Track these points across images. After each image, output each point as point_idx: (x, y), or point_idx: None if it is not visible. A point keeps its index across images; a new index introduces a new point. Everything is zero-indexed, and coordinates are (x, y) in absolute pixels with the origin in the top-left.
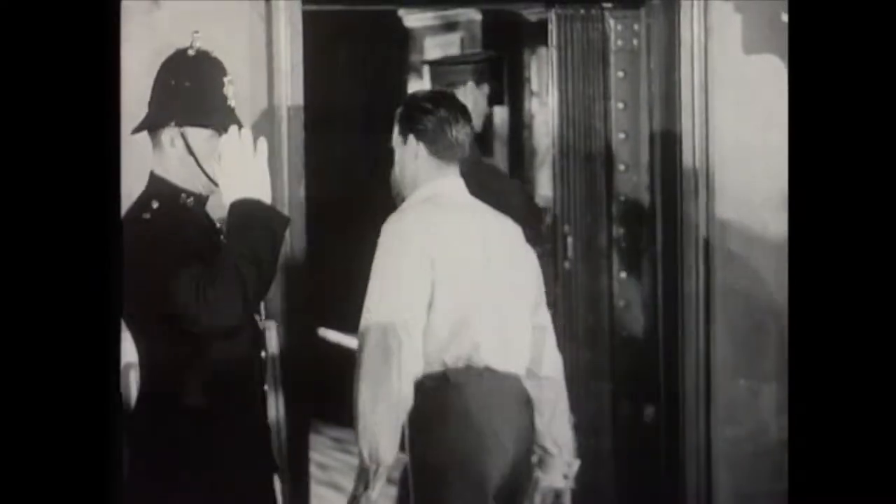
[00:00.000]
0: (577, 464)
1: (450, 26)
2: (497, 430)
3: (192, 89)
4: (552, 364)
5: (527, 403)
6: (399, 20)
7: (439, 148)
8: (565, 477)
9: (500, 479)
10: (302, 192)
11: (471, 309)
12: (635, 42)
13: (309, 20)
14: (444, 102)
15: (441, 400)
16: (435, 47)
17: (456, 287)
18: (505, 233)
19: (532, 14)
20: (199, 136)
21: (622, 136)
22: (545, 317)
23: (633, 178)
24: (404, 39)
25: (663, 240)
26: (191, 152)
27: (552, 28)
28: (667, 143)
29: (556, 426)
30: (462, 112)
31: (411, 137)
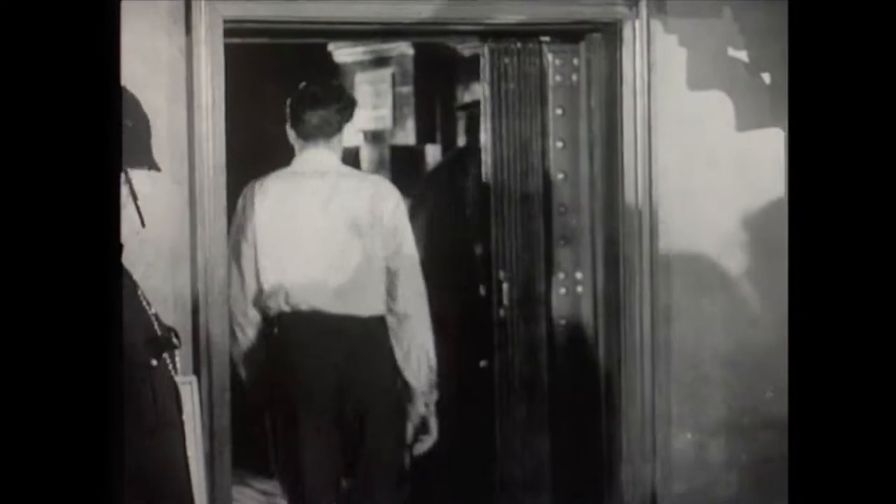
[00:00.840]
0: (435, 395)
1: (381, 61)
2: (337, 362)
3: (132, 128)
4: (406, 302)
5: (382, 339)
6: (329, 55)
7: (301, 129)
8: (426, 405)
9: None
10: (222, 229)
11: (301, 260)
12: (574, 77)
13: (234, 56)
14: (305, 92)
15: (282, 339)
16: (365, 83)
17: (283, 241)
18: (361, 193)
19: (466, 49)
20: (139, 177)
21: (561, 176)
22: (402, 262)
23: (572, 220)
24: (334, 75)
25: (604, 287)
26: (134, 197)
27: (485, 63)
28: (609, 184)
29: (412, 360)
30: (316, 99)
31: (287, 125)
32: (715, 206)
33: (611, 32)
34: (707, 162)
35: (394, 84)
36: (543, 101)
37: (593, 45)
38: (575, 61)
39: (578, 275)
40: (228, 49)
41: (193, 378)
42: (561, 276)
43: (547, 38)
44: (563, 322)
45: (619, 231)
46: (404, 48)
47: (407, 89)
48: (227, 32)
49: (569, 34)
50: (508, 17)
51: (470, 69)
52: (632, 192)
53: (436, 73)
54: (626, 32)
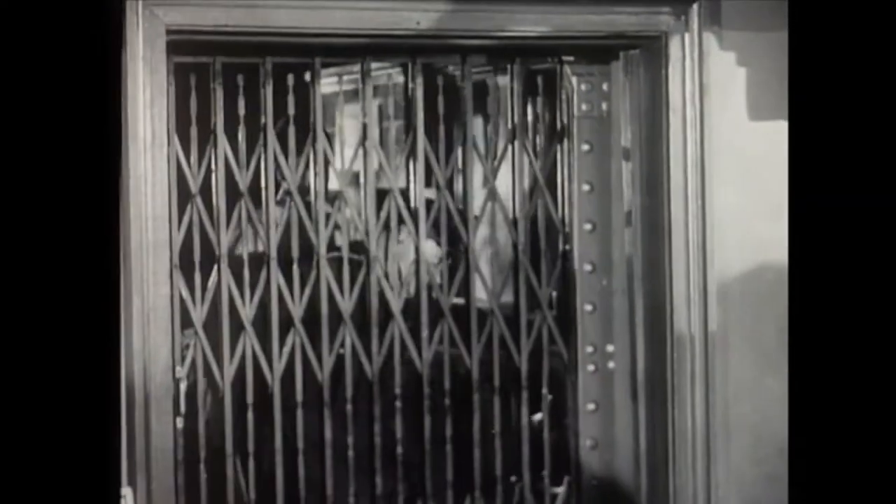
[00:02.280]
0: None
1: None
2: None
3: None
4: None
5: None
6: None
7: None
8: None
9: None
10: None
11: None
12: (604, 106)
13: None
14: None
15: None
16: (349, 116)
17: None
18: None
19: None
20: None
21: (588, 226)
22: None
23: (602, 280)
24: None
25: (646, 364)
26: None
27: (492, 88)
28: (650, 237)
29: None
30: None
31: None
32: (782, 266)
33: (653, 49)
34: (772, 211)
35: (381, 118)
36: (566, 136)
37: (630, 65)
38: (605, 86)
39: (610, 348)
40: (178, 70)
41: (128, 491)
42: (588, 349)
43: (570, 59)
44: (591, 407)
45: (665, 295)
46: (394, 76)
47: (397, 123)
48: (174, 47)
49: (599, 51)
50: (526, 28)
51: (476, 100)
52: (681, 247)
53: (432, 105)
54: (673, 48)
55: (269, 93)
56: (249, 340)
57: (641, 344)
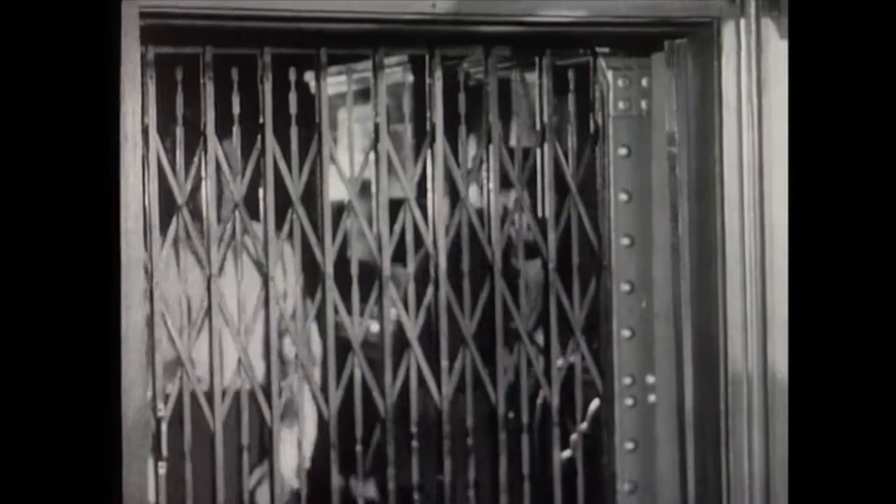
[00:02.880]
0: None
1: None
2: None
3: None
4: None
5: None
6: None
7: None
8: None
9: None
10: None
11: None
12: (644, 104)
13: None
14: None
15: None
16: (354, 122)
17: None
18: None
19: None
20: None
21: (626, 241)
22: None
23: (641, 302)
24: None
25: (695, 401)
26: None
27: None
28: (699, 253)
29: None
30: None
31: None
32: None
33: (703, 37)
34: None
35: (388, 121)
36: (600, 139)
37: (676, 57)
38: (644, 82)
39: (650, 379)
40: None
41: None
42: (626, 380)
43: (605, 50)
44: (629, 446)
45: (717, 321)
46: (404, 75)
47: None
48: (152, 35)
49: (639, 41)
50: (559, 13)
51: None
52: (735, 265)
53: (450, 100)
54: (727, 37)
55: (267, 89)
56: (248, 377)
57: (689, 376)
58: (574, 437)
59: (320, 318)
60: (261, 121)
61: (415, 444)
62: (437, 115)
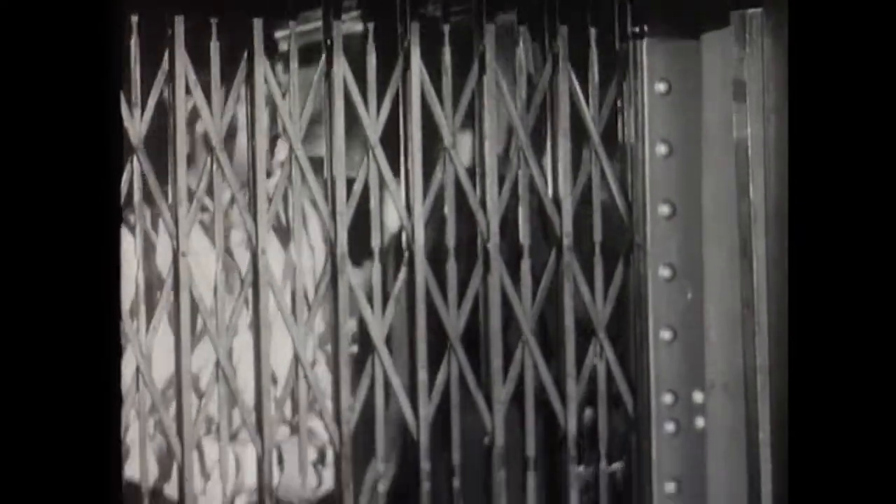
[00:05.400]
0: None
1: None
2: None
3: None
4: None
5: None
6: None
7: None
8: None
9: None
10: None
11: None
12: None
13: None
14: None
15: None
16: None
17: None
18: None
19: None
20: None
21: (666, 209)
22: None
23: (686, 293)
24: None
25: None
26: None
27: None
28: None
29: None
30: None
31: None
32: None
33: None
34: None
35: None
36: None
37: (752, 27)
38: None
39: (698, 397)
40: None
41: None
42: (666, 398)
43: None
44: (671, 489)
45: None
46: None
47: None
48: None
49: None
50: None
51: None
52: None
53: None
54: None
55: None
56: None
57: (763, 390)
58: (595, 473)
59: None
60: None
61: (380, 487)
62: (413, 33)
